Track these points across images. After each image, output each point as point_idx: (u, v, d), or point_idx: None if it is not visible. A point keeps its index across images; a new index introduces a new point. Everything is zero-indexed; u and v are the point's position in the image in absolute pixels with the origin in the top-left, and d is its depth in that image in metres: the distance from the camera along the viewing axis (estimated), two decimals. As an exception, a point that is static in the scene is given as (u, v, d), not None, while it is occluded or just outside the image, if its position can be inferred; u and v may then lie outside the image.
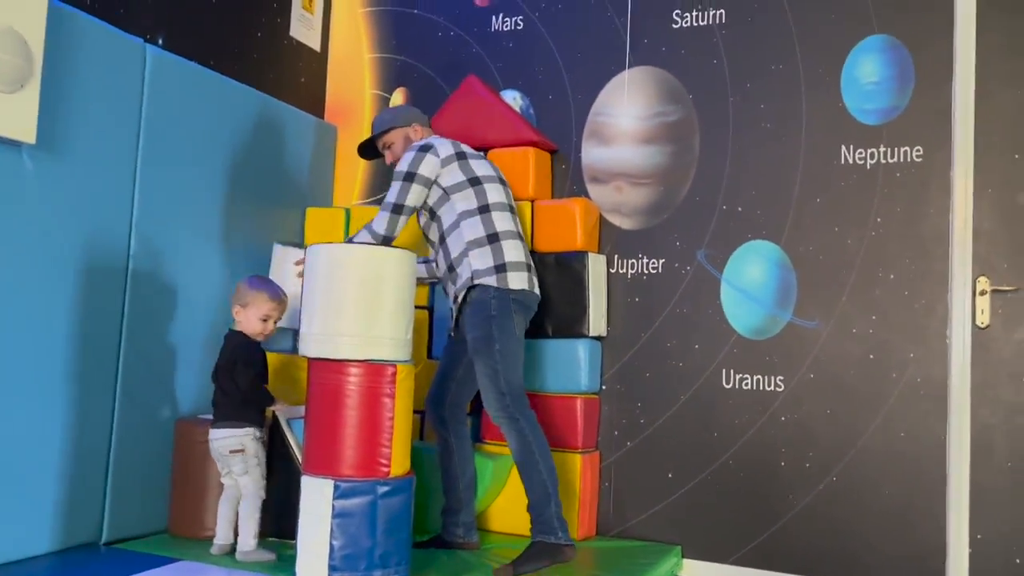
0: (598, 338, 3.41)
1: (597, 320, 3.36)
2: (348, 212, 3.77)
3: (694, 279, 3.34)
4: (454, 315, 2.97)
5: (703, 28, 3.41)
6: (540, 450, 2.77)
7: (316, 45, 4.07)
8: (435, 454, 3.08)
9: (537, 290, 2.98)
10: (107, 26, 2.86)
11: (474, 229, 2.88)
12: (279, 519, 2.97)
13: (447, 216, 2.92)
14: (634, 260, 3.45)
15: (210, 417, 3.01)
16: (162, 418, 3.07)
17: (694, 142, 3.40)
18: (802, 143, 3.22)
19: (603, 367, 3.45)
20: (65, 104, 2.70)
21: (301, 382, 3.35)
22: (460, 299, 2.90)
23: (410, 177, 2.87)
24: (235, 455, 2.82)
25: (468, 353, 2.93)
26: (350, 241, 2.92)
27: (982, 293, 2.94)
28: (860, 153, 3.13)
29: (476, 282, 2.85)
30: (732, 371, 3.25)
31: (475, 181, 2.92)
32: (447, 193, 2.91)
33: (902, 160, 3.07)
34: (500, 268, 2.86)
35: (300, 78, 3.97)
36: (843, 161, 3.16)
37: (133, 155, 2.96)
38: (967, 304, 2.95)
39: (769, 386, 3.19)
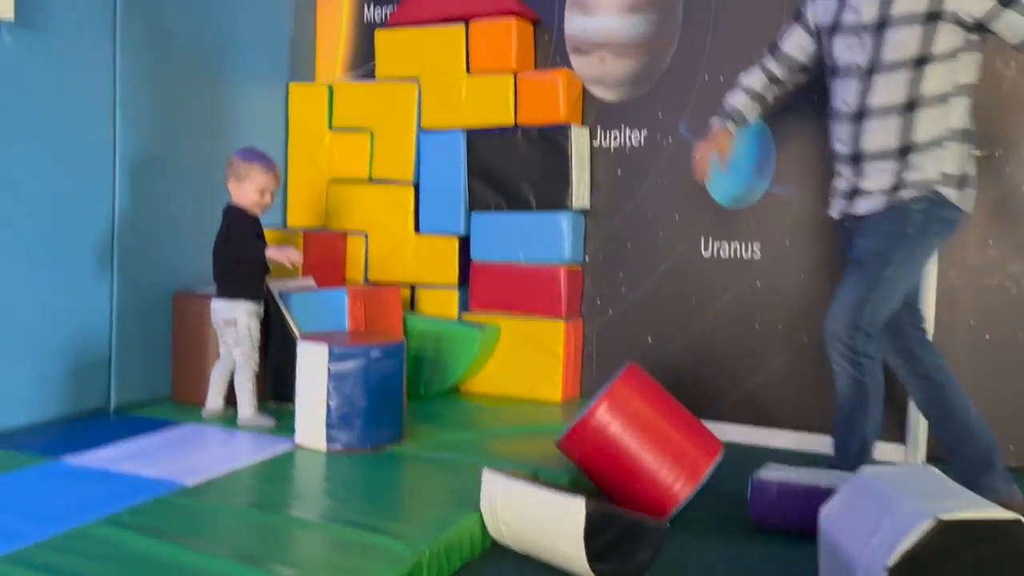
0: (581, 211, 3.49)
1: (580, 193, 3.43)
2: (331, 88, 3.76)
3: (676, 150, 3.39)
4: (856, 211, 2.40)
5: None
6: (873, 404, 2.36)
7: (291, -88, 3.94)
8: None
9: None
10: None
11: (962, 115, 2.26)
12: (277, 385, 3.12)
13: (941, 78, 2.23)
14: (617, 132, 3.49)
15: (205, 291, 3.12)
16: (161, 293, 3.17)
17: (677, 10, 3.37)
18: (784, 10, 3.20)
19: (586, 238, 3.54)
20: (38, -23, 2.66)
21: (293, 257, 3.44)
22: (895, 200, 2.30)
23: None
24: (229, 326, 2.93)
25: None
26: None
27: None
28: (842, 19, 3.12)
29: (938, 190, 2.26)
30: (711, 239, 3.35)
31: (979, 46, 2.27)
32: (964, 49, 2.23)
33: (884, 26, 3.07)
34: (963, 181, 2.29)
35: (277, -53, 3.86)
36: (825, 28, 3.15)
37: (111, 29, 2.93)
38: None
39: (747, 253, 3.30)
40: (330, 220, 3.77)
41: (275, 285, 3.13)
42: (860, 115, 2.33)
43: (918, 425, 2.99)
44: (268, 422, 2.88)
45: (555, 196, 3.39)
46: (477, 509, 2.06)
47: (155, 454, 2.46)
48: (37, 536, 1.79)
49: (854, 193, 2.41)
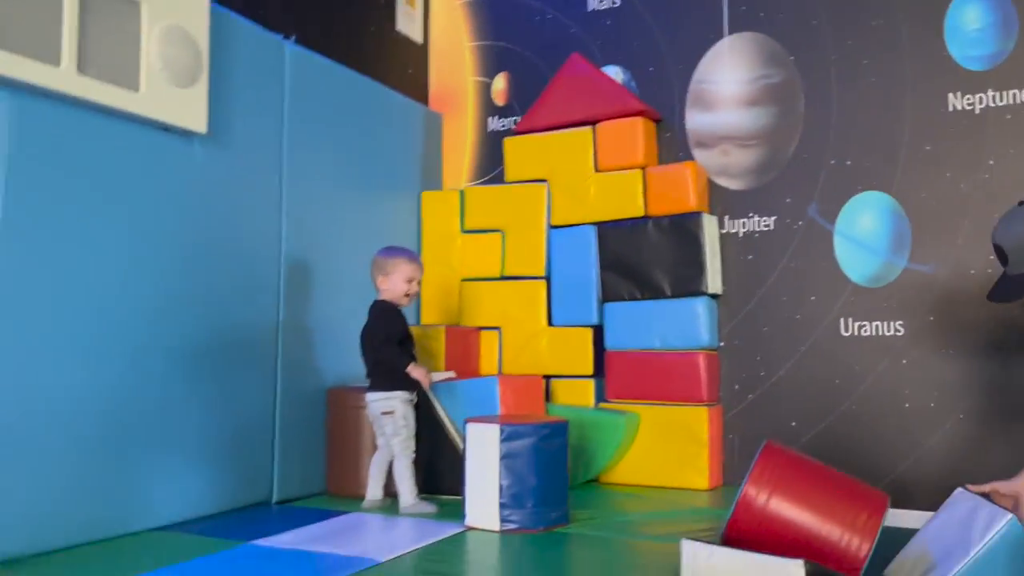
0: (714, 296, 3.54)
1: (714, 278, 3.49)
2: (462, 194, 3.97)
3: (806, 233, 3.46)
4: None
5: (801, -10, 3.53)
6: None
7: (419, 38, 4.28)
8: None
9: None
10: (253, 24, 3.10)
11: None
12: (428, 477, 3.16)
13: None
14: (745, 219, 3.58)
15: (359, 385, 3.22)
16: (317, 388, 3.29)
17: (798, 102, 3.51)
18: (908, 94, 3.31)
19: (720, 324, 3.58)
20: (224, 97, 2.93)
21: (436, 352, 3.56)
22: None
23: None
24: (386, 417, 3.01)
25: None
26: None
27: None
28: (968, 99, 3.21)
29: None
30: (850, 319, 3.36)
31: None
32: None
33: (1011, 102, 3.15)
34: None
35: (407, 69, 4.18)
36: (951, 108, 3.24)
37: (278, 144, 3.19)
38: (1087, 238, 3.00)
39: (889, 331, 3.29)
40: (463, 317, 3.89)
41: (420, 375, 3.22)
42: None
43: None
44: (430, 508, 2.91)
45: (689, 282, 3.46)
46: (675, 579, 2.04)
47: (334, 538, 2.50)
48: (265, 603, 1.84)
49: None
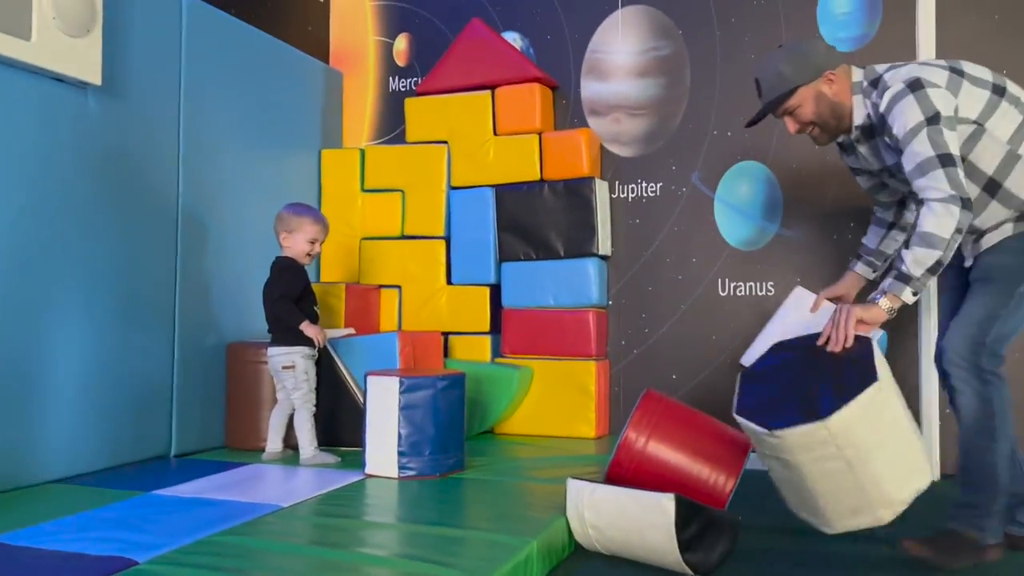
0: (604, 257, 3.74)
1: (604, 240, 3.69)
2: (363, 152, 4.01)
3: (689, 199, 3.68)
4: (973, 253, 2.33)
5: (690, -33, 3.71)
6: (1002, 427, 2.18)
7: (319, -6, 4.26)
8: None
9: None
10: (147, -25, 3.04)
11: None
12: (328, 429, 3.25)
13: (990, 151, 2.21)
14: (634, 185, 3.78)
15: (261, 340, 3.27)
16: (217, 343, 3.32)
17: (685, 74, 3.71)
18: (784, 71, 3.55)
19: (609, 283, 3.78)
20: (119, 49, 2.88)
21: (336, 309, 3.64)
22: (1007, 234, 2.25)
23: (935, 120, 2.12)
24: (287, 371, 3.08)
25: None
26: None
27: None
28: (836, 78, 3.48)
29: None
30: (727, 280, 3.62)
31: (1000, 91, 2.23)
32: (980, 124, 2.20)
33: (873, 83, 3.43)
34: None
35: (307, 26, 4.16)
36: (821, 86, 3.50)
37: (176, 98, 3.16)
38: (933, 208, 3.33)
39: (761, 291, 3.56)
40: (363, 276, 3.97)
41: (314, 333, 3.29)
42: None
43: (932, 440, 3.23)
44: (330, 459, 3.01)
45: (581, 244, 3.64)
46: (561, 516, 2.22)
47: (235, 487, 2.57)
48: (171, 545, 1.91)
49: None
